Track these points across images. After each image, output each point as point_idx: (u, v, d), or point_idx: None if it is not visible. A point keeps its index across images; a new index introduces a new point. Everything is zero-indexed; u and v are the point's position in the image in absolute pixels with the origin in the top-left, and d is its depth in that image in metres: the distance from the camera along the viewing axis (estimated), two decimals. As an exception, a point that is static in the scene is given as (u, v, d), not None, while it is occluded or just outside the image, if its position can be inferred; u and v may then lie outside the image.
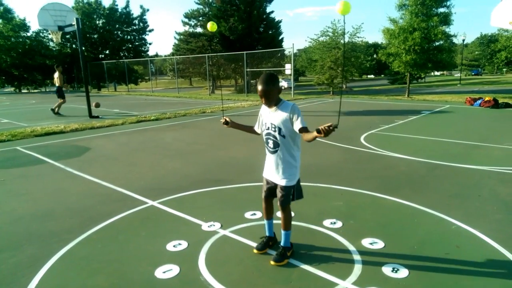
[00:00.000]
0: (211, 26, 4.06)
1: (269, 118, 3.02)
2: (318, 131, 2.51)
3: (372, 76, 75.41)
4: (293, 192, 3.09)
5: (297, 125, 2.86)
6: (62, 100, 14.97)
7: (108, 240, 3.65)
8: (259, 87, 2.90)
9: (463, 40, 42.66)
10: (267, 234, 3.40)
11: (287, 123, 2.91)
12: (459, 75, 48.65)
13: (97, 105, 15.15)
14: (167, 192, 5.01)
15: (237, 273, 2.99)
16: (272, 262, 3.10)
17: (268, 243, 3.36)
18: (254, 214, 4.11)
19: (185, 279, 2.92)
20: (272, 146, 3.04)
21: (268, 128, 3.04)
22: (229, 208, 4.41)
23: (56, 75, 14.81)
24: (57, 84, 14.93)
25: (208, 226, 3.87)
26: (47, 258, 3.31)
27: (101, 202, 4.72)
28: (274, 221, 3.41)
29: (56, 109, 14.93)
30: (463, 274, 2.92)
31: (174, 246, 3.46)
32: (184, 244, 3.48)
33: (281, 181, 3.05)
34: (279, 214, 3.18)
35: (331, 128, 2.47)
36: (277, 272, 3.00)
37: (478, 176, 5.54)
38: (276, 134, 2.97)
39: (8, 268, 3.18)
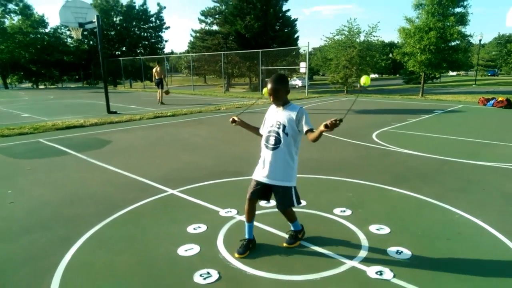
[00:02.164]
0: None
1: (275, 116, 3.14)
2: (326, 126, 2.66)
3: (376, 75, 74.05)
4: (295, 195, 3.16)
5: (305, 127, 2.98)
6: (161, 90, 17.52)
7: (132, 224, 3.93)
8: (269, 86, 3.06)
9: (480, 40, 42.18)
10: (246, 236, 3.36)
11: (292, 123, 3.04)
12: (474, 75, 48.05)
13: (167, 92, 17.73)
14: (186, 182, 5.29)
15: (253, 253, 3.24)
16: (285, 245, 3.35)
17: (249, 245, 3.30)
18: (268, 203, 4.34)
19: (205, 256, 3.19)
20: (273, 142, 3.10)
21: (272, 126, 3.13)
22: (245, 197, 4.61)
23: (158, 69, 17.22)
24: (157, 77, 17.33)
25: (225, 212, 4.14)
26: (76, 238, 3.59)
27: (124, 190, 5.02)
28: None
29: (160, 98, 17.60)
30: (462, 257, 3.13)
31: (194, 228, 3.73)
32: (203, 227, 3.75)
33: (279, 182, 3.11)
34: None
35: (337, 121, 2.66)
36: (290, 252, 3.25)
37: (485, 172, 5.70)
38: (280, 131, 3.08)
39: (41, 246, 3.47)
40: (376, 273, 2.88)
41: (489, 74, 73.18)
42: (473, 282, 2.79)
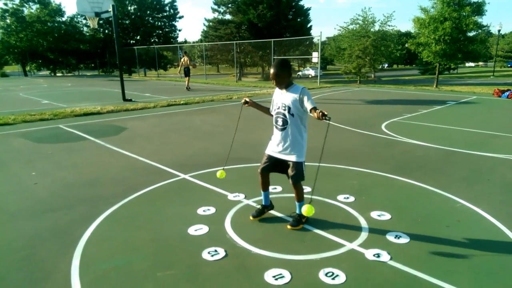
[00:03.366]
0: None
1: (281, 98, 3.41)
2: (315, 110, 2.96)
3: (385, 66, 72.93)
4: (304, 169, 3.43)
5: (308, 105, 3.19)
6: (189, 78, 19.12)
7: (147, 205, 4.18)
8: (271, 71, 3.33)
9: (499, 31, 41.34)
10: (263, 203, 3.80)
11: (296, 103, 3.28)
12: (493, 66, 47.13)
13: (194, 66, 18.90)
14: (197, 167, 5.52)
15: (258, 234, 3.46)
16: (288, 227, 3.55)
17: (263, 210, 3.77)
18: (275, 188, 4.54)
19: (213, 236, 3.41)
20: (281, 123, 3.40)
21: (278, 108, 3.42)
22: (252, 182, 4.82)
23: (185, 58, 18.69)
24: (185, 66, 18.71)
25: (233, 196, 4.36)
26: (96, 216, 3.86)
27: (139, 174, 5.28)
28: (288, 195, 3.80)
29: (187, 85, 19.23)
30: (459, 244, 3.27)
31: (203, 210, 3.96)
32: (212, 210, 3.98)
33: (290, 157, 3.39)
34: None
35: (323, 114, 2.86)
36: (293, 234, 3.45)
37: (491, 162, 5.80)
38: (286, 112, 3.34)
39: (64, 222, 3.75)
40: (374, 255, 3.06)
41: (509, 65, 71.53)
42: (467, 264, 2.95)
